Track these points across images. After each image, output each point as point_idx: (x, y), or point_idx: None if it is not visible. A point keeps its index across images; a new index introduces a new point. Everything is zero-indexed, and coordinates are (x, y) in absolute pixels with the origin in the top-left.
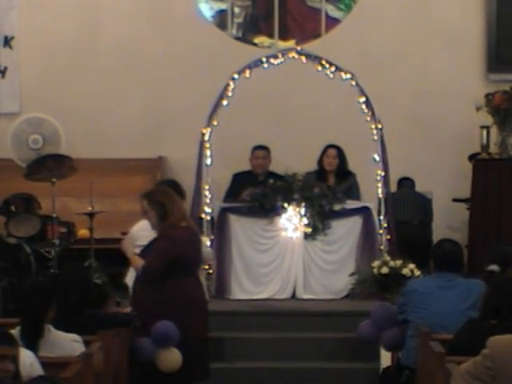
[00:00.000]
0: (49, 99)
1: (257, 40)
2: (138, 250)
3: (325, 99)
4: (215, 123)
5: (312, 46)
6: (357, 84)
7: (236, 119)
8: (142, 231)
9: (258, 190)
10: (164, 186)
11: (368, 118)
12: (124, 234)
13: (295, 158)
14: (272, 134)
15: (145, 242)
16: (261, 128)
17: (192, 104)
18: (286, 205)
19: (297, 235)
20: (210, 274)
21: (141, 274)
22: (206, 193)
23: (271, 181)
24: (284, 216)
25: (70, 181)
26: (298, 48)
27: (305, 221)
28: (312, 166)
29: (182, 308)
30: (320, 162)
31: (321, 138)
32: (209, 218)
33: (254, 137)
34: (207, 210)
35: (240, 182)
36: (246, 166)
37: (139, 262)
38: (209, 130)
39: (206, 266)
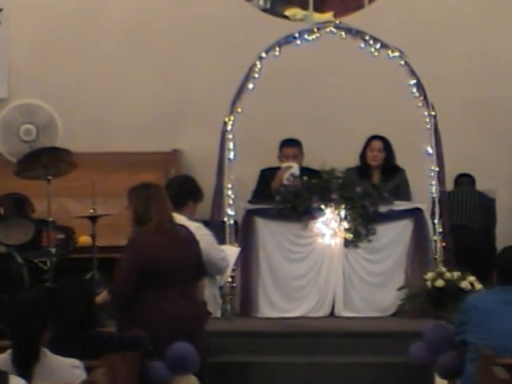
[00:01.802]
0: (43, 83)
1: (288, 12)
2: None
3: (368, 82)
4: (239, 110)
5: (353, 19)
6: (406, 63)
7: (263, 106)
8: None
9: (290, 189)
10: (149, 184)
11: (419, 104)
12: None
13: (333, 152)
14: (306, 122)
15: None
16: (292, 116)
17: (212, 88)
18: (322, 206)
19: (336, 242)
20: (233, 287)
21: (111, 301)
22: (229, 192)
23: (305, 178)
24: (320, 220)
25: (68, 179)
26: (337, 21)
27: (345, 225)
28: (353, 160)
29: (160, 326)
30: (363, 155)
31: (363, 128)
32: (232, 221)
33: (284, 126)
34: (230, 212)
35: (269, 179)
36: (275, 161)
37: None
38: (232, 118)
39: (229, 278)
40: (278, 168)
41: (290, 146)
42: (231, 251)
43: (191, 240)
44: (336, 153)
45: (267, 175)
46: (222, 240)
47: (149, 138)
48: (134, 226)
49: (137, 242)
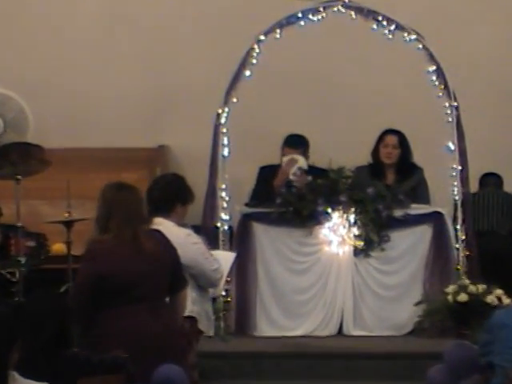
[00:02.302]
0: (11, 70)
1: None
2: None
3: (381, 69)
4: (234, 100)
5: None
6: (424, 47)
7: (262, 96)
8: None
9: (293, 190)
10: (123, 186)
11: (440, 94)
12: None
13: (342, 148)
14: (310, 115)
15: None
16: (295, 108)
17: (203, 76)
18: (329, 210)
19: (344, 251)
20: (228, 302)
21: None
22: (223, 194)
23: (310, 178)
24: (327, 225)
25: (39, 178)
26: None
27: (355, 231)
28: (364, 158)
29: (123, 347)
30: (375, 152)
31: (376, 122)
32: (226, 227)
33: (286, 119)
34: (224, 216)
35: (270, 177)
36: (276, 158)
37: None
38: (226, 109)
39: (223, 291)
40: (279, 165)
41: (293, 147)
42: (225, 257)
43: (165, 248)
44: (345, 149)
45: (267, 173)
46: (214, 247)
47: (132, 133)
48: (95, 231)
49: (92, 252)
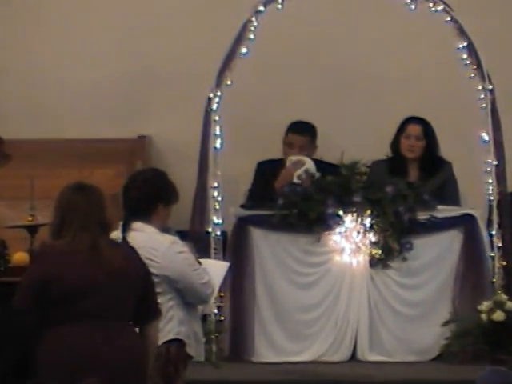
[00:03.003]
0: None
1: None
2: None
3: (402, 46)
4: (228, 83)
5: None
6: (454, 20)
7: (262, 77)
8: None
9: (297, 189)
10: (83, 187)
11: (471, 75)
12: None
13: (356, 139)
14: (318, 100)
15: None
16: (301, 92)
17: (191, 54)
18: (341, 212)
19: (358, 261)
20: (221, 321)
21: None
22: (215, 193)
23: (318, 174)
24: (338, 230)
25: (0, 174)
26: None
27: (371, 238)
28: (382, 150)
29: (66, 371)
30: (395, 144)
31: (396, 108)
32: (219, 232)
33: (289, 105)
34: (216, 220)
35: (271, 174)
36: (277, 152)
37: None
38: (218, 93)
39: (214, 309)
40: (281, 161)
41: (298, 132)
42: (216, 268)
43: (134, 265)
44: (359, 140)
45: (267, 169)
46: (205, 257)
47: (107, 121)
48: (48, 236)
49: (42, 254)
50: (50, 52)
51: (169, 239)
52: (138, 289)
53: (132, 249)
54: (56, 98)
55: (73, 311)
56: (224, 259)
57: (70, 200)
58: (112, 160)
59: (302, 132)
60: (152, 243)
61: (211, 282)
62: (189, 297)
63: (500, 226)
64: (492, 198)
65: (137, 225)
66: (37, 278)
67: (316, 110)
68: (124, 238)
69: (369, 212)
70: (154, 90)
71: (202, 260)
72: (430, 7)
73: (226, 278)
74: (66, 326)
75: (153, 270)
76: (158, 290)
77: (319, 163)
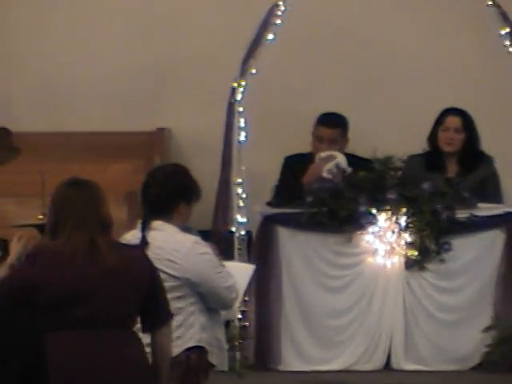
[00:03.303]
0: None
1: None
2: None
3: (440, 31)
4: (253, 72)
5: None
6: (496, 4)
7: (289, 66)
8: None
9: (328, 184)
10: (79, 182)
11: None
12: None
13: (390, 133)
14: (350, 90)
15: None
16: (331, 81)
17: (214, 41)
18: (374, 211)
19: (393, 263)
20: (245, 327)
21: None
22: (239, 190)
23: (349, 170)
24: (371, 230)
25: (6, 170)
26: None
27: (407, 238)
28: (418, 145)
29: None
30: (433, 138)
31: (434, 98)
32: (243, 232)
33: (318, 96)
34: (240, 218)
35: (299, 169)
36: (305, 145)
37: None
38: (243, 83)
39: (238, 314)
40: (310, 155)
41: (328, 125)
42: (241, 271)
43: (140, 265)
44: (394, 134)
45: (295, 164)
46: (228, 259)
47: (123, 113)
48: (45, 235)
49: (33, 256)
50: (62, 40)
51: (191, 239)
52: (140, 292)
53: (138, 249)
54: (68, 88)
55: (62, 318)
56: (248, 261)
57: (64, 196)
58: (128, 154)
59: (332, 125)
60: (173, 243)
61: (235, 286)
62: (211, 301)
63: None
64: None
65: (157, 223)
66: (21, 279)
67: (347, 100)
68: (143, 238)
69: (404, 210)
70: (174, 79)
71: (226, 262)
72: None
73: (251, 281)
74: (55, 335)
75: (173, 273)
76: (178, 293)
77: (351, 157)
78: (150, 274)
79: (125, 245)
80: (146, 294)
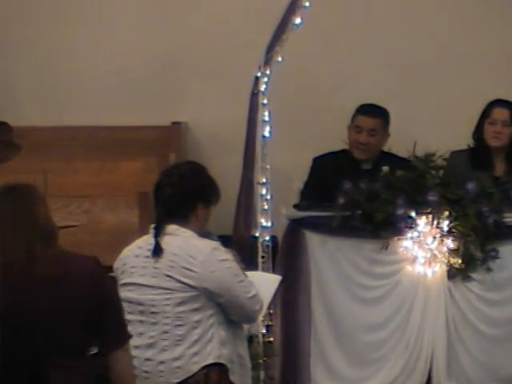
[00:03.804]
0: None
1: None
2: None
3: (485, 20)
4: (279, 59)
5: None
6: None
7: (320, 53)
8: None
9: (362, 186)
10: (15, 188)
11: None
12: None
13: (431, 127)
14: (387, 82)
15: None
16: (366, 71)
17: (235, 26)
18: (413, 214)
19: (434, 271)
20: (270, 342)
21: None
22: (263, 191)
23: (385, 169)
24: (410, 235)
25: (6, 168)
26: None
27: (449, 244)
28: (463, 140)
29: None
30: (479, 132)
31: (478, 89)
32: (268, 237)
33: (352, 87)
34: (264, 223)
35: (328, 171)
36: (337, 142)
37: None
38: (268, 72)
39: (263, 328)
40: (343, 153)
41: (369, 114)
42: (266, 281)
43: (89, 277)
44: (435, 128)
45: (325, 165)
46: (251, 267)
47: (135, 106)
48: None
49: None
50: (69, 29)
51: (209, 245)
52: (85, 311)
53: (90, 259)
54: (75, 79)
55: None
56: (273, 269)
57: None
58: (140, 151)
59: (374, 114)
60: (189, 249)
61: (259, 297)
62: (233, 313)
63: None
64: None
65: (172, 228)
66: None
67: (384, 92)
68: (157, 244)
69: (446, 213)
70: (190, 68)
71: (249, 273)
72: None
73: (276, 292)
74: None
75: (189, 282)
76: (195, 305)
77: (389, 157)
78: (98, 286)
79: (75, 254)
80: (92, 313)
